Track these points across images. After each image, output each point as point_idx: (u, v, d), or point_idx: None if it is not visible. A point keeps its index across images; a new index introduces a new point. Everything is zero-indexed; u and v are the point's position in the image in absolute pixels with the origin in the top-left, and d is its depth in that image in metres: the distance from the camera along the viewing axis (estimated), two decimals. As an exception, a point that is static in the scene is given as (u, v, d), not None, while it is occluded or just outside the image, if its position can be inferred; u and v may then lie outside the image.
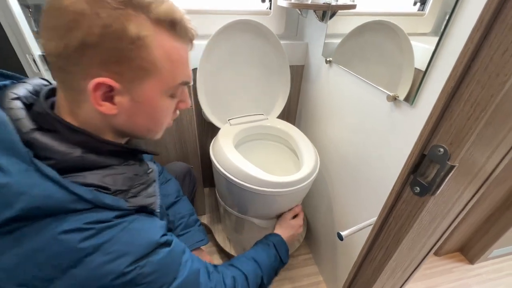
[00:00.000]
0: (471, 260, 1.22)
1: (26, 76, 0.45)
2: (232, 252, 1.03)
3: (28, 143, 0.32)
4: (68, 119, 0.36)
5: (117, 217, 0.35)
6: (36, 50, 0.69)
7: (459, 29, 0.43)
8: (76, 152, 0.34)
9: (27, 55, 0.68)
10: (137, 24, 0.31)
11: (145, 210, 0.40)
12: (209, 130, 1.18)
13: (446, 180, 0.29)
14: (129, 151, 0.41)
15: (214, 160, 0.83)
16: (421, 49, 0.54)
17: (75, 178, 0.33)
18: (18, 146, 0.29)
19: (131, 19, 0.31)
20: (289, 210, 0.86)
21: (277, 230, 0.79)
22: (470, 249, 1.22)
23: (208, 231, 1.18)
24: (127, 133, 0.41)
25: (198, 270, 0.44)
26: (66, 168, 0.33)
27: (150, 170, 0.45)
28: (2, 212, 0.28)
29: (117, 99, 0.35)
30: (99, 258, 0.31)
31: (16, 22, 0.63)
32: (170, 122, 0.44)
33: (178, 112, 0.44)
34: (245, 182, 0.75)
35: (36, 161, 0.30)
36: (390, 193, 0.35)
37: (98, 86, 0.32)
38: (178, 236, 0.65)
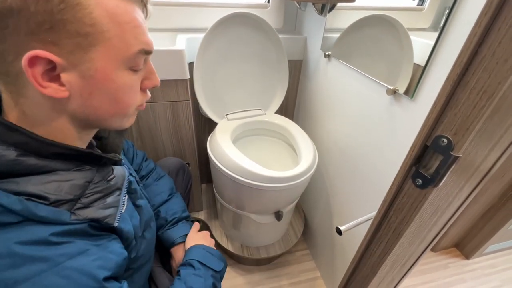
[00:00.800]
0: (467, 256, 1.23)
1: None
2: (229, 248, 1.03)
3: None
4: (13, 115, 0.30)
5: (54, 234, 0.29)
6: None
7: (459, 24, 0.42)
8: (10, 155, 0.29)
9: None
10: None
11: (101, 225, 0.34)
12: (206, 125, 1.17)
13: (449, 171, 0.28)
14: (83, 155, 0.34)
15: (212, 155, 0.82)
16: (420, 44, 0.54)
17: (7, 185, 0.28)
18: None
19: None
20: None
21: (189, 244, 0.63)
22: (466, 244, 1.23)
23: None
24: (90, 121, 0.34)
25: None
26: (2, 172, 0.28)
27: (112, 176, 0.37)
28: None
29: (64, 77, 0.29)
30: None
31: None
32: (140, 103, 0.37)
33: (149, 93, 0.38)
34: (242, 177, 0.74)
35: None
36: (391, 186, 0.34)
37: (32, 61, 0.26)
38: (168, 229, 0.63)
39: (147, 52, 0.33)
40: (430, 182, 0.30)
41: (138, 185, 0.50)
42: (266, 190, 0.75)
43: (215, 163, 0.80)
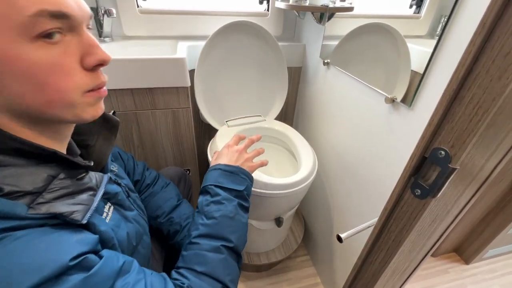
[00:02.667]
0: (467, 260, 1.24)
1: None
2: (229, 254, 1.03)
3: None
4: None
5: (5, 229, 0.24)
6: None
7: (456, 32, 0.44)
8: None
9: None
10: None
11: (65, 221, 0.28)
12: (207, 132, 1.17)
13: (447, 183, 0.29)
14: (46, 155, 0.29)
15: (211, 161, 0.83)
16: (418, 51, 0.55)
17: None
18: None
19: None
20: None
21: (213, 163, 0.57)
22: (465, 249, 1.24)
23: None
24: (29, 113, 0.28)
25: None
26: None
27: (82, 175, 0.33)
28: None
29: None
30: None
31: None
32: (87, 87, 0.30)
33: (102, 75, 0.31)
34: (243, 184, 0.75)
35: None
36: (391, 196, 0.35)
37: None
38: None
39: (56, 14, 0.25)
40: (428, 192, 0.30)
41: (129, 197, 0.45)
42: (266, 196, 0.75)
43: (215, 169, 0.80)
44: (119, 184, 0.43)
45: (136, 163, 0.68)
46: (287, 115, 1.22)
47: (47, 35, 0.25)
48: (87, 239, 0.29)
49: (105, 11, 0.86)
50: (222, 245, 0.42)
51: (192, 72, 0.89)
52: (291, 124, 1.23)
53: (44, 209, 0.27)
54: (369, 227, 0.56)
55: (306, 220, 1.18)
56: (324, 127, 0.95)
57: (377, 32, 0.67)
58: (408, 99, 0.56)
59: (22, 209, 0.26)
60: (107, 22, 0.89)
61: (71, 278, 0.25)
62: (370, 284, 0.47)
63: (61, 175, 0.30)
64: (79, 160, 0.32)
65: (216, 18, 0.97)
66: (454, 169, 0.28)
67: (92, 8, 0.86)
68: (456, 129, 0.26)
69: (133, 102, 0.81)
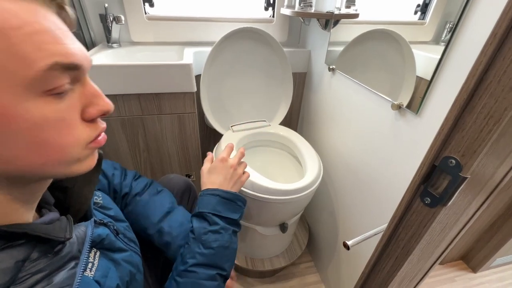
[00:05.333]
0: (474, 269, 1.21)
1: None
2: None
3: None
4: None
5: None
6: None
7: (464, 39, 0.44)
8: None
9: None
10: None
11: None
12: (212, 136, 1.18)
13: (458, 191, 0.28)
14: (14, 235, 0.24)
15: (217, 166, 0.83)
16: (423, 57, 0.55)
17: None
18: None
19: None
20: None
21: (206, 185, 0.56)
22: (472, 257, 1.22)
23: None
24: (22, 176, 0.24)
25: None
26: None
27: (60, 246, 0.27)
28: None
29: None
30: None
31: None
32: (88, 139, 0.26)
33: (101, 123, 0.28)
34: (247, 189, 0.75)
35: None
36: (400, 203, 0.35)
37: None
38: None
39: (69, 67, 0.23)
40: (439, 201, 0.30)
41: (118, 235, 0.40)
42: (271, 202, 0.75)
43: (221, 174, 0.80)
44: (105, 225, 0.37)
45: (125, 174, 0.60)
46: (291, 121, 1.22)
47: (58, 91, 0.23)
48: None
49: (113, 18, 0.87)
50: (217, 273, 0.43)
51: (198, 77, 0.90)
52: (295, 130, 1.24)
53: None
54: (376, 234, 0.55)
55: (311, 226, 1.17)
56: (329, 133, 0.95)
57: (382, 38, 0.67)
58: (415, 105, 0.56)
59: None
60: (115, 29, 0.90)
61: None
62: (377, 293, 0.46)
63: (34, 255, 0.25)
64: (58, 236, 0.27)
65: (222, 25, 0.99)
66: (465, 178, 0.27)
67: (101, 15, 0.88)
68: (466, 138, 0.26)
69: (140, 107, 0.82)
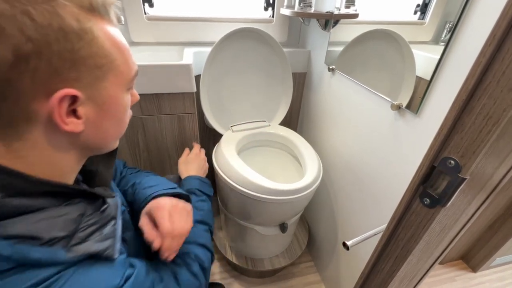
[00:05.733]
0: (474, 268, 1.22)
1: None
2: (233, 259, 1.02)
3: None
4: None
5: (52, 275, 0.27)
6: None
7: (464, 39, 0.44)
8: None
9: None
10: (74, 16, 0.26)
11: (99, 258, 0.32)
12: (211, 137, 1.18)
13: (457, 192, 0.28)
14: (69, 192, 0.32)
15: (217, 166, 0.83)
16: (423, 57, 0.55)
17: None
18: None
19: (65, 12, 0.25)
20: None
21: (185, 173, 0.69)
22: (472, 257, 1.22)
23: None
24: (92, 149, 0.35)
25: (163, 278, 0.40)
26: None
27: (105, 206, 0.35)
28: None
29: (81, 110, 0.29)
30: None
31: None
32: (128, 122, 0.38)
33: (131, 111, 0.38)
34: (247, 189, 0.75)
35: None
36: (399, 204, 0.35)
37: (61, 101, 0.26)
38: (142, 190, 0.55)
39: (137, 73, 0.36)
40: (438, 202, 0.30)
41: (128, 215, 0.47)
42: (271, 202, 0.75)
43: (220, 174, 0.80)
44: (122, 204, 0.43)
45: (116, 163, 0.64)
46: (291, 121, 1.22)
47: (130, 88, 0.36)
48: (120, 262, 0.34)
49: (113, 18, 0.87)
50: (209, 228, 0.57)
51: (198, 77, 0.90)
52: (295, 129, 1.24)
53: (80, 251, 0.30)
54: (376, 234, 0.55)
55: (310, 225, 1.17)
56: (329, 133, 0.95)
57: (382, 38, 0.67)
58: (414, 106, 0.56)
59: (61, 254, 0.28)
60: (115, 29, 0.90)
61: None
62: (377, 293, 0.46)
63: (88, 211, 0.32)
64: (107, 193, 0.36)
65: (221, 25, 0.99)
66: (464, 179, 0.28)
67: (100, 15, 0.88)
68: (466, 139, 0.26)
69: (140, 107, 0.81)
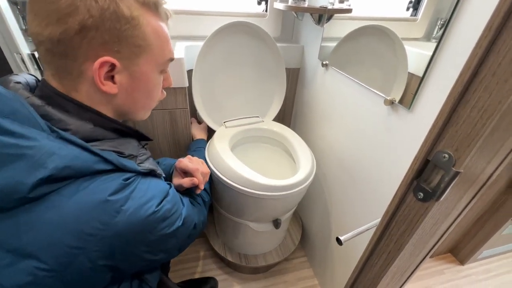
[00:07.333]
0: (462, 261, 1.25)
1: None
2: (227, 256, 1.02)
3: (42, 116, 0.33)
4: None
5: (134, 176, 0.39)
6: (25, 49, 0.66)
7: (456, 35, 0.44)
8: (89, 125, 0.38)
9: (15, 54, 0.64)
10: (127, 6, 0.35)
11: (154, 175, 0.44)
12: (204, 132, 1.16)
13: (451, 186, 0.28)
14: (129, 131, 0.44)
15: (210, 163, 0.82)
16: (415, 53, 0.55)
17: (94, 146, 0.36)
18: (35, 117, 0.32)
19: (122, 1, 0.34)
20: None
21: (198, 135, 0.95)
22: (460, 250, 1.25)
23: (202, 235, 1.16)
24: (124, 112, 0.44)
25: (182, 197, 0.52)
26: (82, 138, 0.36)
27: (146, 144, 0.50)
28: (35, 173, 0.29)
29: (117, 77, 0.38)
30: (132, 205, 0.36)
31: (4, 19, 0.60)
32: (159, 99, 0.48)
33: (164, 92, 0.49)
34: (240, 185, 0.74)
35: (56, 128, 0.33)
36: (393, 199, 0.35)
37: (102, 65, 0.35)
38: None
39: (172, 59, 0.44)
40: (431, 196, 0.30)
41: None
42: (264, 198, 0.75)
43: (213, 170, 0.79)
44: None
45: None
46: (285, 116, 1.22)
47: (163, 71, 0.45)
48: (163, 179, 0.47)
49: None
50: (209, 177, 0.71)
51: (190, 72, 0.88)
52: (288, 125, 1.23)
53: (145, 167, 0.42)
54: (368, 229, 0.56)
55: (304, 221, 1.18)
56: (322, 128, 0.95)
57: (375, 34, 0.67)
58: (407, 101, 0.56)
59: (136, 166, 0.40)
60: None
61: (171, 191, 0.44)
62: (370, 287, 0.47)
63: (140, 145, 0.47)
64: (149, 136, 0.49)
65: (214, 19, 0.97)
66: (458, 173, 0.27)
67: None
68: (460, 132, 0.26)
69: (130, 102, 0.79)
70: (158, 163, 0.67)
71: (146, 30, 0.37)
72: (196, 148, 0.87)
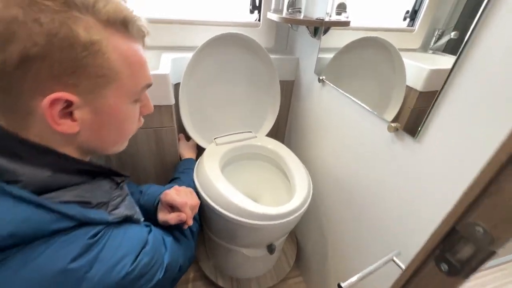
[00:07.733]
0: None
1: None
2: (219, 282, 0.95)
3: None
4: None
5: (104, 229, 0.34)
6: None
7: (479, 59, 0.38)
8: (46, 172, 0.31)
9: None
10: (86, 28, 0.28)
11: (131, 221, 0.40)
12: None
13: (483, 264, 0.23)
14: (99, 171, 0.38)
15: (199, 187, 0.76)
16: (412, 66, 0.53)
17: (51, 198, 0.31)
18: None
19: (78, 23, 0.27)
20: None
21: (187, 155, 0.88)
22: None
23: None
24: (92, 149, 0.37)
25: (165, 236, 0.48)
26: (37, 190, 0.30)
27: (122, 183, 0.41)
28: None
29: (77, 114, 0.31)
30: (100, 268, 0.31)
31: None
32: (135, 130, 0.41)
33: (142, 119, 0.42)
34: (232, 214, 0.68)
35: (2, 183, 0.28)
36: (409, 265, 0.30)
37: (53, 103, 0.28)
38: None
39: (149, 86, 0.38)
40: (459, 272, 0.25)
41: None
42: (258, 228, 0.69)
43: (202, 197, 0.73)
44: None
45: None
46: (278, 130, 1.16)
47: (138, 99, 0.38)
48: (142, 225, 0.43)
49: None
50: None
51: (177, 85, 0.81)
52: (282, 140, 1.18)
53: (118, 214, 0.37)
54: (370, 273, 0.51)
55: (299, 239, 1.12)
56: (319, 146, 0.89)
57: (372, 46, 0.64)
58: (413, 129, 0.51)
59: (106, 216, 0.35)
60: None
61: (149, 239, 0.40)
62: None
63: (112, 186, 0.39)
64: (124, 172, 0.42)
65: (204, 28, 0.90)
66: (493, 252, 0.22)
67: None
68: (503, 207, 0.21)
69: (110, 122, 0.72)
70: (141, 192, 0.60)
71: (111, 56, 0.30)
72: (184, 169, 0.80)
